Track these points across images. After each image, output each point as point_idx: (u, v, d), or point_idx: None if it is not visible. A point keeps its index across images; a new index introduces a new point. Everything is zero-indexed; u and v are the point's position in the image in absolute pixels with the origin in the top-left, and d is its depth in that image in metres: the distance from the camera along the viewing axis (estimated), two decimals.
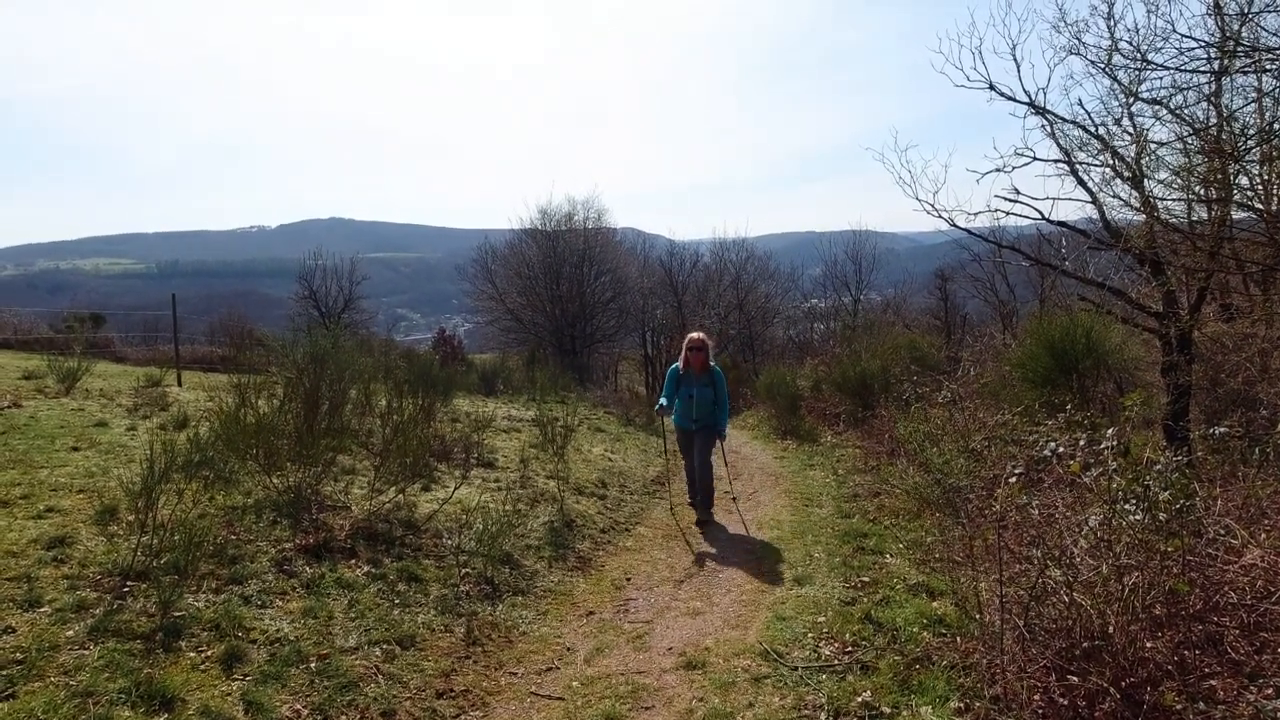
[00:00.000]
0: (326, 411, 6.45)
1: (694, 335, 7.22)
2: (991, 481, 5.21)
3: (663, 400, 7.22)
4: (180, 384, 11.16)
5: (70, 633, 3.38)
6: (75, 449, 5.89)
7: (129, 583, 3.89)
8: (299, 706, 3.35)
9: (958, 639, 3.79)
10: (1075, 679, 2.76)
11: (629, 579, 5.50)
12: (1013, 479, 3.63)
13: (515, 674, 4.00)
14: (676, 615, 4.77)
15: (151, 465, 4.19)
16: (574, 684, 3.88)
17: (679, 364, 7.16)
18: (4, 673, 3.03)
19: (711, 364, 7.15)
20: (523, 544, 5.73)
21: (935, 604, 4.41)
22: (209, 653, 3.53)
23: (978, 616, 3.52)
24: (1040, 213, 6.88)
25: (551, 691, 3.81)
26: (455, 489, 6.26)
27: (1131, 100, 5.94)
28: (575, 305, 31.52)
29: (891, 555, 5.51)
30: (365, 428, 7.56)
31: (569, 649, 4.33)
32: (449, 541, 5.35)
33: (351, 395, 7.23)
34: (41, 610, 3.51)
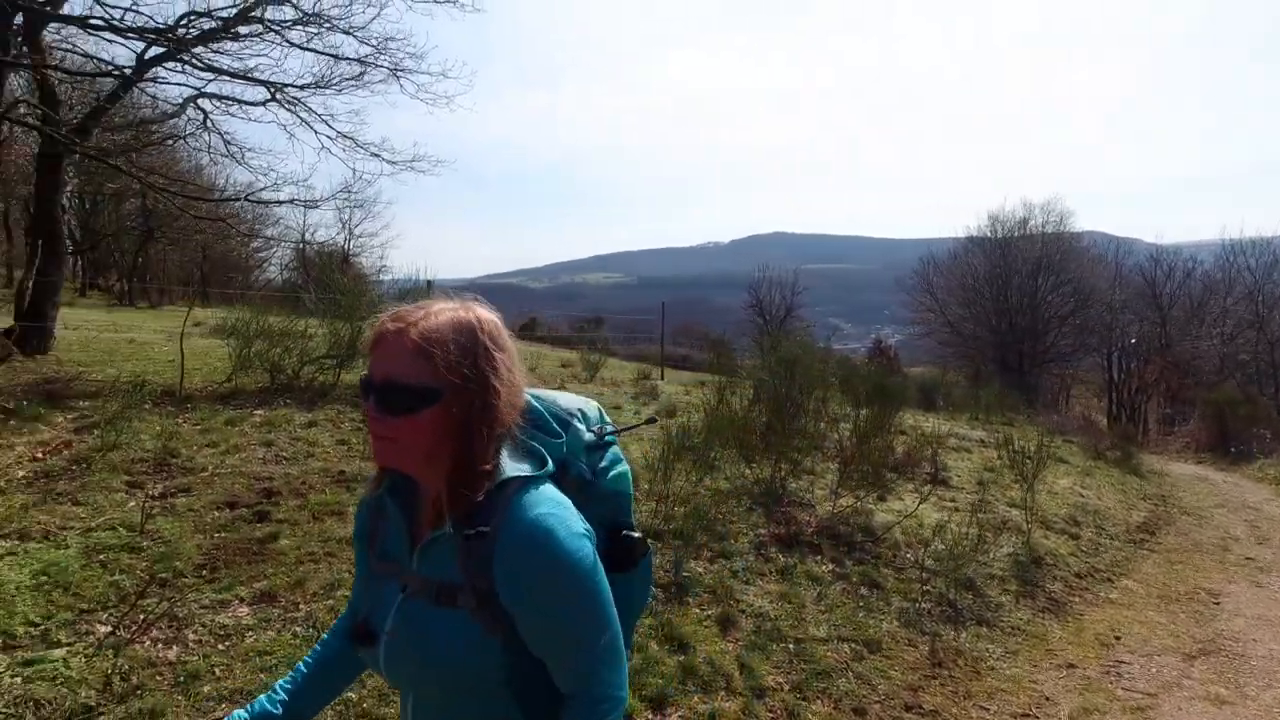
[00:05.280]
0: (791, 413, 6.89)
1: (389, 328, 1.03)
2: None
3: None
4: (663, 378, 13.02)
5: None
6: None
7: (650, 541, 4.66)
8: (780, 679, 3.63)
9: None
10: None
11: (1118, 638, 4.72)
12: None
13: (987, 709, 3.74)
14: (1191, 698, 3.93)
15: (667, 446, 4.98)
16: None
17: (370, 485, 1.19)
18: None
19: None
20: (985, 571, 5.33)
21: None
22: (709, 612, 4.04)
23: None
24: None
25: None
26: (919, 503, 6.11)
27: None
28: (1025, 319, 28.17)
29: None
30: (819, 432, 7.87)
31: (1047, 698, 3.89)
32: (909, 555, 5.25)
33: (811, 401, 7.59)
34: None
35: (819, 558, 5.02)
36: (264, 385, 6.75)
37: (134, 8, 6.81)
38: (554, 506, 1.01)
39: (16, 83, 9.42)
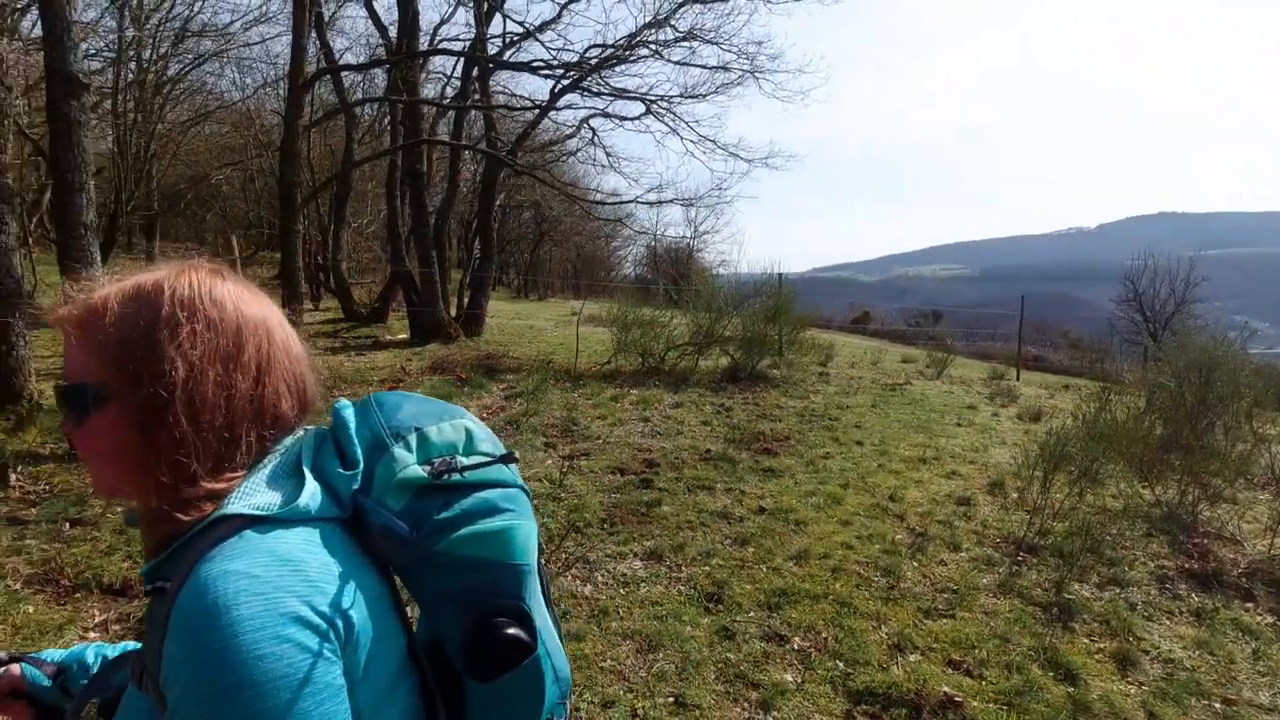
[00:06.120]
0: (1203, 428, 5.66)
1: (56, 313, 0.76)
2: None
3: None
4: (1018, 378, 11.63)
5: (984, 581, 3.87)
6: (958, 425, 6.77)
7: (1021, 553, 4.21)
8: None
9: None
10: None
11: None
12: None
13: None
14: None
15: (1047, 456, 4.43)
16: None
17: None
18: (944, 595, 3.67)
19: None
20: None
21: None
22: (1101, 645, 3.51)
23: None
24: None
25: None
26: None
27: None
28: None
29: None
30: (1236, 453, 6.34)
31: None
32: None
33: (1230, 414, 6.15)
34: (960, 554, 4.13)
35: (1252, 606, 4.04)
36: (637, 368, 7.54)
37: (565, 48, 8.08)
38: (253, 565, 0.63)
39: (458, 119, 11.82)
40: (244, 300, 0.77)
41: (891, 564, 3.87)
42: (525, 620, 0.76)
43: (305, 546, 0.67)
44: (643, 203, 10.02)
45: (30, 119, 10.48)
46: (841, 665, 3.07)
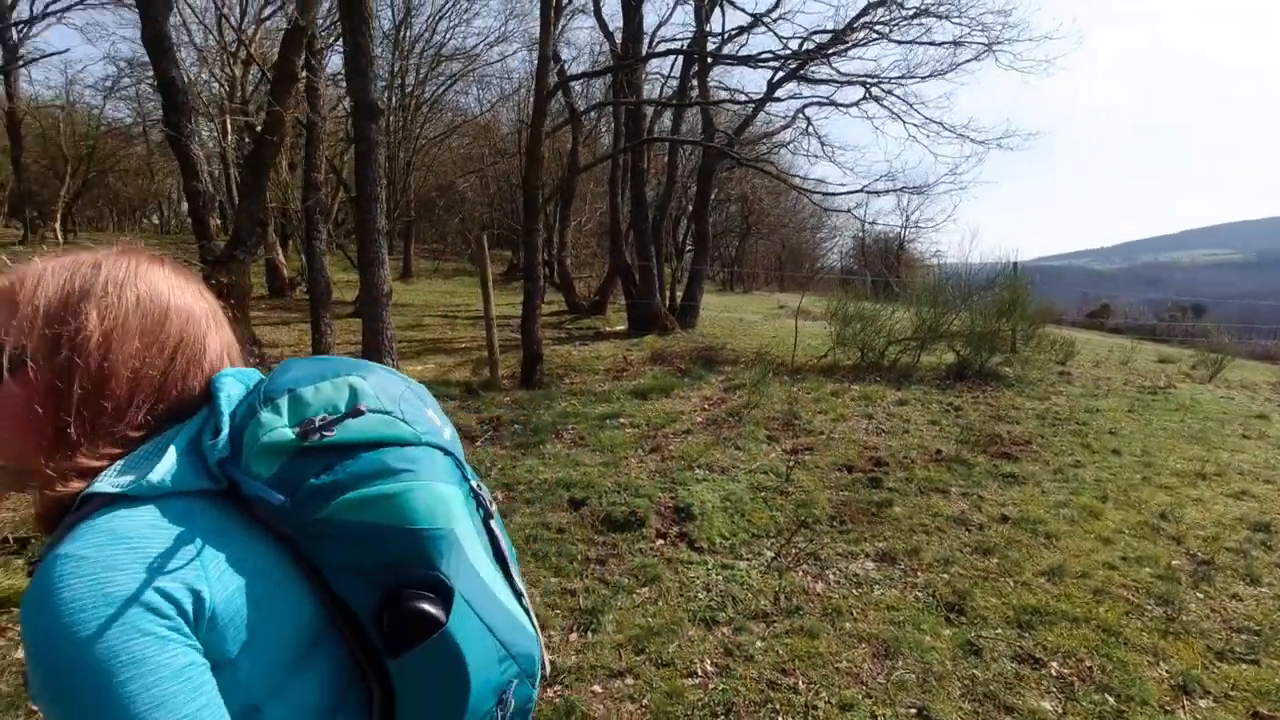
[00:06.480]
0: None
1: None
2: None
3: None
4: None
5: None
6: (1244, 437, 5.74)
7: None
8: None
9: None
10: None
11: None
12: None
13: None
14: None
15: None
16: None
17: None
18: (1242, 636, 3.13)
19: None
20: None
21: None
22: None
23: None
24: None
25: None
26: None
27: None
28: None
29: None
30: None
31: None
32: None
33: None
34: (1261, 590, 3.50)
35: None
36: (855, 362, 7.25)
37: (794, 35, 7.96)
38: (84, 546, 0.60)
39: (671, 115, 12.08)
40: (176, 286, 0.76)
41: (1168, 592, 3.38)
42: (441, 591, 0.70)
43: (153, 523, 0.63)
44: (870, 192, 9.56)
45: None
46: (1112, 700, 2.74)
